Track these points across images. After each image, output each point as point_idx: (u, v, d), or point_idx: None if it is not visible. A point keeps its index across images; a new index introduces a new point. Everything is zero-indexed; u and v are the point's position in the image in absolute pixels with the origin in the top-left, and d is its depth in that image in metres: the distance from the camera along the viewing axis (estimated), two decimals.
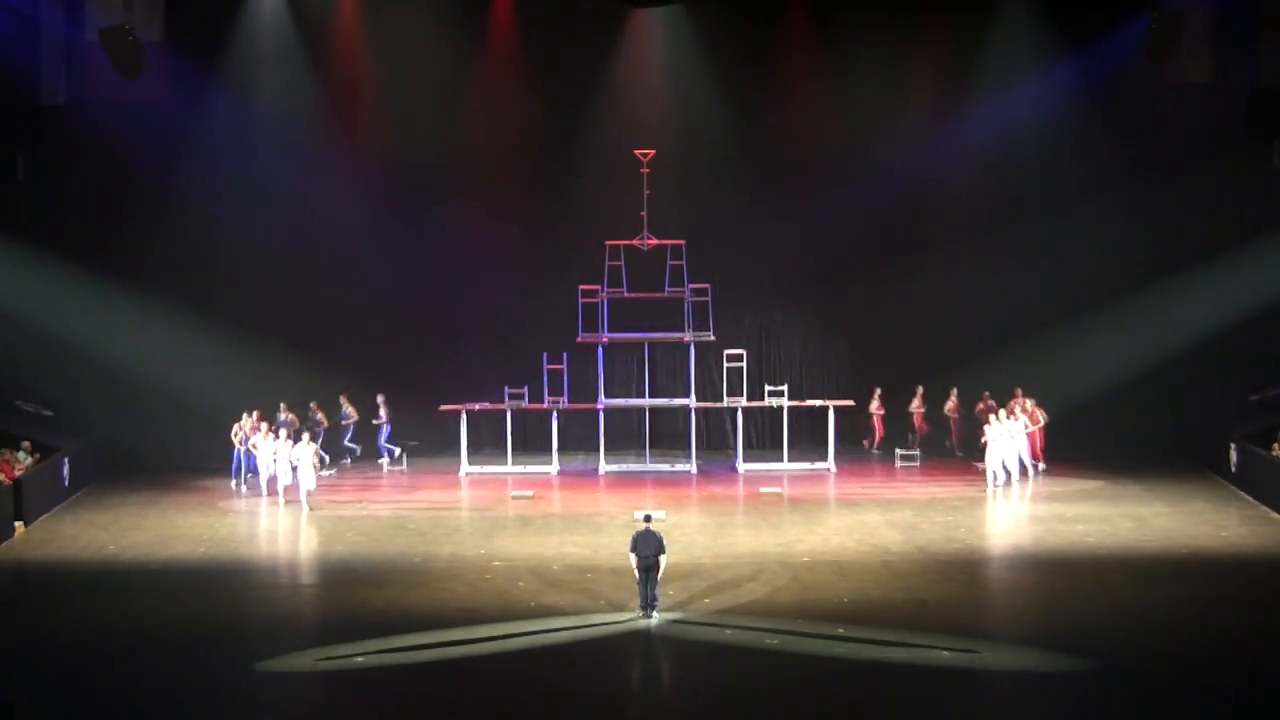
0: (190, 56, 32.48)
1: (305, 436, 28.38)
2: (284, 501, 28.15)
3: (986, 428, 29.41)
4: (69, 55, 31.62)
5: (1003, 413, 29.86)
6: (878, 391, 33.45)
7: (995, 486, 29.05)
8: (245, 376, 32.42)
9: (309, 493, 27.77)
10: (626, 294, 31.92)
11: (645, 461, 32.50)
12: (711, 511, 27.98)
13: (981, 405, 31.59)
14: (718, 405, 32.56)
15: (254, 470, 29.77)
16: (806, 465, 32.03)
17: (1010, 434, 29.40)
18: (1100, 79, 33.07)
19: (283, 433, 28.75)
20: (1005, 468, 29.34)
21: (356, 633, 20.05)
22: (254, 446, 29.21)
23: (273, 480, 28.69)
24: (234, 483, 30.09)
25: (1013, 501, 28.54)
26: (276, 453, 28.50)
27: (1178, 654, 18.93)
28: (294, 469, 28.12)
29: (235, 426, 30.12)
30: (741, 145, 33.96)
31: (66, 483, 29.20)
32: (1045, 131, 33.32)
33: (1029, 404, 30.99)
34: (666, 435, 34.09)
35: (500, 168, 33.92)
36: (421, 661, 18.97)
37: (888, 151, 33.67)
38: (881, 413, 33.59)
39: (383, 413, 32.66)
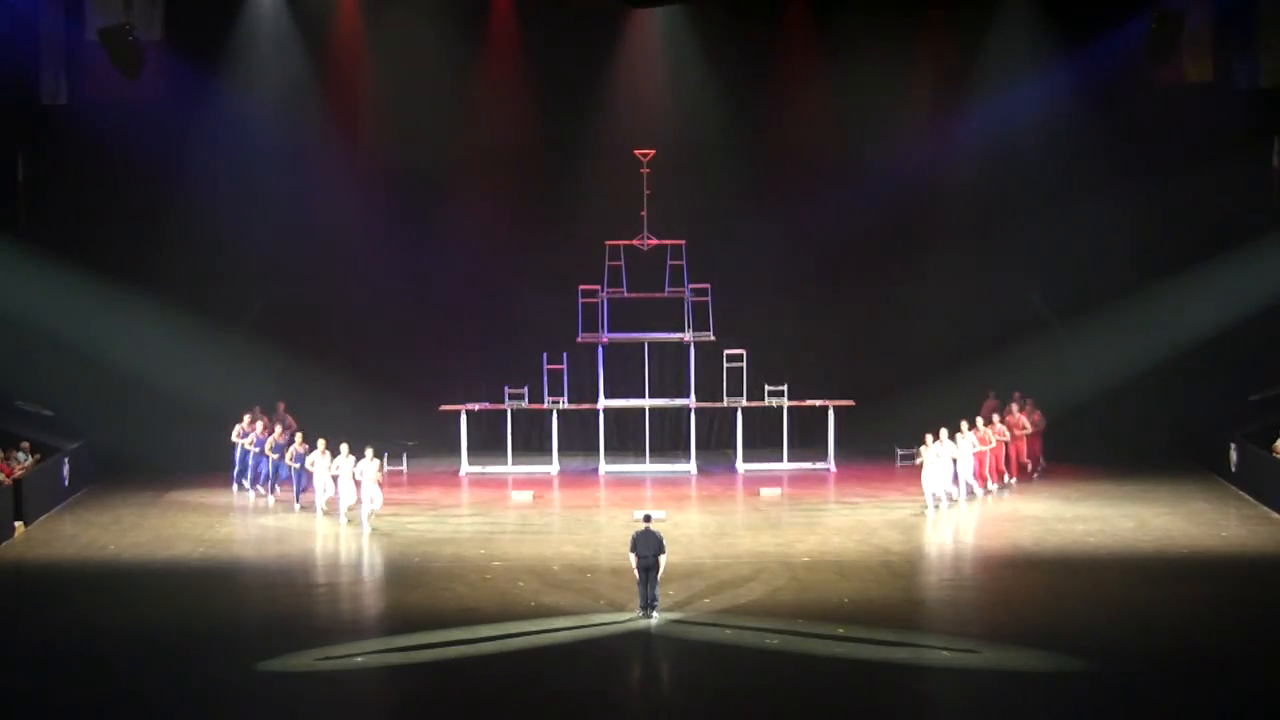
0: (190, 56, 32.45)
1: (369, 451, 26.28)
2: (345, 520, 26.53)
3: (922, 448, 27.37)
4: (69, 55, 31.57)
5: (943, 433, 27.55)
6: (993, 393, 31.86)
7: (933, 509, 27.09)
8: (245, 376, 32.41)
9: (372, 512, 26.16)
10: (626, 294, 31.92)
11: (645, 462, 32.50)
12: (711, 511, 27.98)
13: (989, 403, 31.34)
14: (718, 405, 32.53)
15: (287, 479, 28.61)
16: (807, 465, 32.05)
17: (951, 455, 27.38)
18: (1100, 79, 33.05)
19: (343, 448, 26.69)
20: (943, 490, 27.32)
21: (356, 633, 20.07)
22: (311, 464, 27.42)
23: (332, 498, 27.04)
24: (235, 486, 29.83)
25: (1013, 502, 28.52)
26: (338, 469, 26.68)
27: (1177, 654, 18.93)
28: (356, 485, 26.46)
29: (236, 428, 29.83)
30: (741, 145, 33.95)
31: (66, 483, 29.20)
32: (1045, 132, 33.30)
33: (1025, 409, 30.53)
34: (666, 435, 34.07)
35: (500, 167, 33.91)
36: (421, 661, 18.98)
37: (887, 151, 33.64)
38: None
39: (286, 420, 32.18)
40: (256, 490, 29.25)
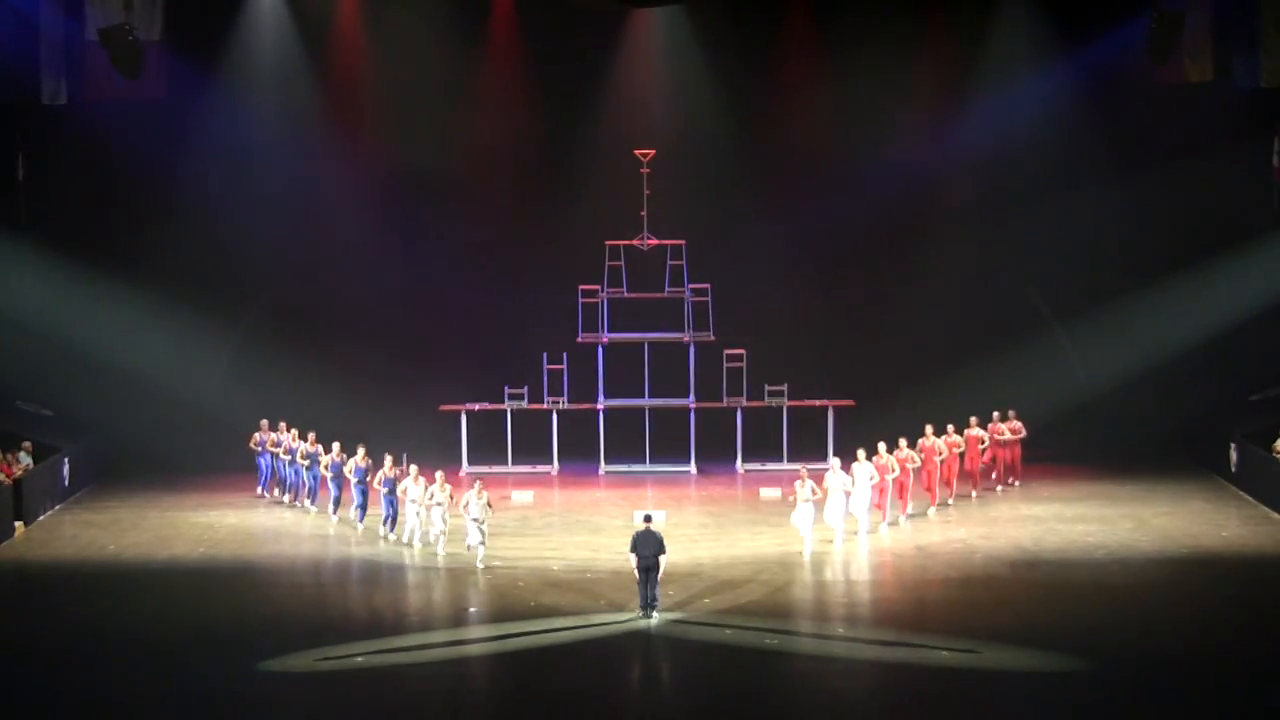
0: (190, 56, 32.47)
1: (478, 485, 23.64)
2: (441, 553, 23.96)
3: (797, 483, 24.08)
4: (69, 55, 31.60)
5: (835, 462, 25.45)
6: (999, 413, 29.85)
7: (809, 548, 23.99)
8: (245, 376, 32.48)
9: (469, 546, 23.45)
10: (626, 294, 31.95)
11: (645, 462, 32.49)
12: (711, 511, 27.98)
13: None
14: (718, 405, 32.51)
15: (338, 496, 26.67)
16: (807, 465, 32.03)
17: (844, 486, 24.69)
18: (1100, 79, 33.08)
19: (439, 476, 24.31)
20: (836, 522, 24.62)
21: (356, 633, 20.06)
22: (403, 493, 24.73)
23: (397, 523, 25.24)
24: (260, 490, 29.22)
25: (1013, 502, 28.50)
26: (433, 498, 24.18)
27: (1178, 654, 18.93)
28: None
29: (256, 436, 28.97)
30: (741, 145, 33.97)
31: (66, 483, 29.20)
32: (1045, 131, 33.33)
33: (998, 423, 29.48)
34: (666, 435, 34.02)
35: (500, 168, 33.93)
36: (421, 661, 18.98)
37: (887, 151, 33.66)
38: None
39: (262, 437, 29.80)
40: (346, 518, 26.67)
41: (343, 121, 33.84)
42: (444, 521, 23.97)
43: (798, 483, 24.06)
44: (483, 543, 23.32)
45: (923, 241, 34.04)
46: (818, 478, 24.51)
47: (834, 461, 25.01)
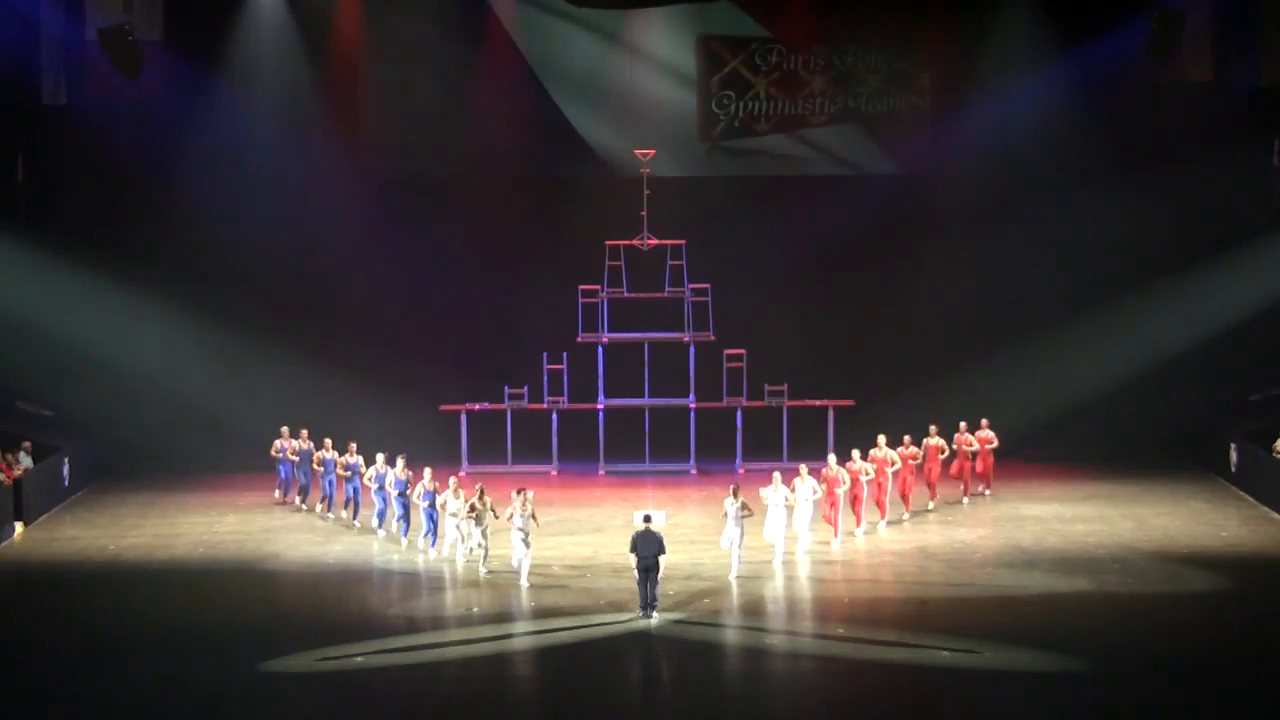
0: (190, 56, 32.50)
1: (525, 495, 22.64)
2: (484, 571, 23.09)
3: (728, 500, 22.57)
4: (69, 55, 31.67)
5: (776, 477, 23.78)
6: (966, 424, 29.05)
7: (736, 568, 22.51)
8: (245, 376, 32.48)
9: (519, 562, 22.55)
10: (626, 294, 31.95)
11: (645, 462, 32.49)
12: (711, 512, 27.97)
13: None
14: (718, 405, 32.51)
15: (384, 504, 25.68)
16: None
17: (784, 501, 23.45)
18: (1100, 79, 33.09)
19: (479, 488, 23.51)
20: (772, 539, 23.47)
21: (356, 633, 20.06)
22: (442, 506, 23.91)
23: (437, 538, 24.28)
24: (279, 494, 28.73)
25: (1013, 502, 28.50)
26: (473, 510, 23.27)
27: (1178, 654, 18.94)
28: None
29: (277, 444, 28.46)
30: (741, 145, 33.94)
31: (66, 483, 29.20)
32: (1045, 132, 33.35)
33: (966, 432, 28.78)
34: (666, 435, 34.02)
35: (500, 167, 33.92)
36: (421, 661, 18.98)
37: (887, 151, 33.67)
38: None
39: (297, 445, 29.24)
40: (388, 533, 25.78)
41: (342, 121, 33.85)
42: (484, 536, 23.18)
43: (727, 500, 22.61)
44: (527, 545, 22.36)
45: (922, 242, 34.03)
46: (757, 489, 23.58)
47: (776, 476, 23.70)
